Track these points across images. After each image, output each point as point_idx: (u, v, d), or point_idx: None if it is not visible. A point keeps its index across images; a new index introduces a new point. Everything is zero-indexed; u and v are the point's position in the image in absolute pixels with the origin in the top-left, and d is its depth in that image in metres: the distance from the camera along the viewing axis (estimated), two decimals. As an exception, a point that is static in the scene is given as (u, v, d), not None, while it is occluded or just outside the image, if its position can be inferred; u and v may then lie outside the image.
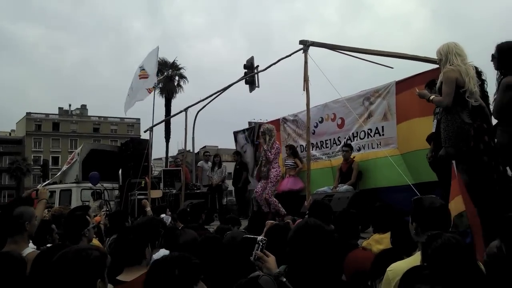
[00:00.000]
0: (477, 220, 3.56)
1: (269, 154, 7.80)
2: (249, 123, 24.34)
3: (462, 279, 1.85)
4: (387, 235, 3.28)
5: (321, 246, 2.17)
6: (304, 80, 5.94)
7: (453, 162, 4.20)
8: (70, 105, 76.71)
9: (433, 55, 5.28)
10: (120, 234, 3.03)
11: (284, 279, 2.21)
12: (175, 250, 3.16)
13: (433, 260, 1.89)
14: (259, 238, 2.48)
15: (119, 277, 2.76)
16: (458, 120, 4.71)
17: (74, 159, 14.82)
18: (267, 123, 11.48)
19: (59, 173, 16.26)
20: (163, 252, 3.30)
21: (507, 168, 4.46)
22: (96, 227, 4.03)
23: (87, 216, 3.57)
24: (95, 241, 4.19)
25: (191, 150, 17.37)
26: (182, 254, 1.97)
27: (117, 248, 2.98)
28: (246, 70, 12.15)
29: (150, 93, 11.39)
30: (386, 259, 2.56)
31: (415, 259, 2.36)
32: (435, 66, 6.17)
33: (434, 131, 5.51)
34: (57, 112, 74.21)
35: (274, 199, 7.80)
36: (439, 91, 4.90)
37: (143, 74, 11.38)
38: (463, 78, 4.66)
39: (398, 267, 2.33)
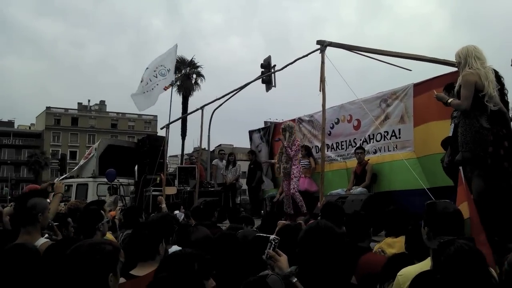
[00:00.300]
0: (479, 228, 3.49)
1: (290, 150, 7.83)
2: (265, 122, 24.34)
3: (475, 286, 1.83)
4: (400, 239, 3.25)
5: (330, 248, 2.17)
6: (321, 81, 5.92)
7: (460, 168, 4.13)
8: (89, 101, 77.80)
9: (452, 58, 5.21)
10: (135, 229, 3.06)
11: (295, 279, 2.20)
12: (187, 247, 3.19)
13: (446, 267, 1.86)
14: (272, 237, 2.46)
15: (133, 272, 2.79)
16: (477, 125, 4.64)
17: (92, 154, 15.01)
18: (283, 122, 11.53)
19: (77, 167, 16.47)
20: (175, 248, 3.32)
21: None
22: (110, 222, 4.06)
23: (101, 211, 3.61)
24: (109, 236, 4.24)
25: (207, 148, 17.48)
26: (194, 250, 1.98)
27: (132, 243, 3.02)
28: (263, 70, 12.18)
29: (166, 90, 11.44)
30: (397, 263, 2.54)
31: (426, 265, 2.33)
32: (454, 69, 6.09)
33: (451, 135, 5.43)
34: (76, 107, 75.23)
35: (299, 194, 7.82)
36: (458, 95, 4.83)
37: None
38: (482, 82, 4.59)
39: (409, 272, 2.31)
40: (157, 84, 11.42)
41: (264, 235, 2.57)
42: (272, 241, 2.40)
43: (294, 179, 7.85)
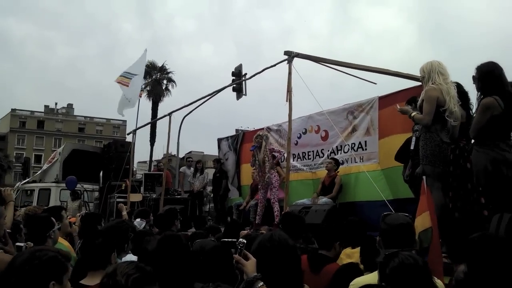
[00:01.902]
0: (437, 237, 3.57)
1: (278, 154, 7.99)
2: (236, 130, 24.33)
3: None
4: (357, 249, 3.28)
5: (281, 260, 2.14)
6: (288, 91, 5.95)
7: (424, 177, 4.22)
8: (56, 104, 75.89)
9: (418, 72, 5.34)
10: (87, 238, 2.97)
11: (261, 283, 2.15)
12: (143, 256, 3.12)
13: (391, 279, 1.89)
14: (238, 240, 2.40)
15: (83, 281, 2.71)
16: (437, 139, 4.76)
17: (55, 159, 14.63)
18: (252, 131, 11.54)
19: (40, 171, 16.02)
20: (129, 257, 3.25)
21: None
22: (60, 228, 3.92)
23: (52, 218, 3.49)
24: (64, 242, 4.11)
25: (176, 155, 17.32)
26: (135, 262, 1.92)
27: (83, 251, 2.93)
28: (234, 77, 12.18)
29: (140, 97, 11.48)
30: (345, 275, 2.55)
31: (376, 275, 2.35)
32: (418, 83, 6.25)
33: (412, 148, 5.55)
34: (42, 110, 73.32)
35: (277, 204, 7.82)
36: (420, 109, 4.94)
37: (124, 81, 11.32)
38: (444, 97, 4.72)
39: (361, 282, 2.33)
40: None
41: (230, 240, 2.50)
42: (238, 244, 2.33)
43: (273, 189, 7.89)
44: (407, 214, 3.04)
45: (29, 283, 1.88)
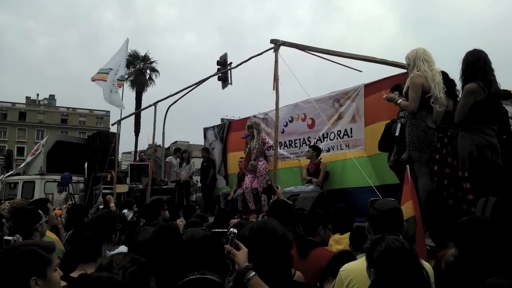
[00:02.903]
0: (420, 224, 3.62)
1: (264, 146, 8.10)
2: (222, 119, 24.26)
3: (408, 282, 1.88)
4: (346, 235, 3.31)
5: (274, 249, 2.15)
6: (274, 79, 5.93)
7: (407, 167, 4.26)
8: (38, 95, 74.61)
9: (402, 60, 5.37)
10: (76, 230, 2.94)
11: (252, 273, 2.14)
12: (133, 247, 3.10)
13: (378, 264, 1.91)
14: (229, 230, 2.37)
15: (73, 274, 2.68)
16: (423, 125, 4.82)
17: (39, 151, 14.40)
18: (238, 120, 11.51)
19: (23, 164, 15.76)
20: (122, 248, 3.23)
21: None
22: (48, 221, 3.86)
23: (39, 211, 3.44)
24: (52, 235, 4.06)
25: (162, 145, 17.19)
26: (131, 255, 1.91)
27: (72, 244, 2.90)
28: (219, 67, 12.10)
29: (119, 87, 11.30)
30: (338, 262, 2.58)
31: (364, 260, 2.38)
32: (403, 70, 6.29)
33: (397, 134, 5.60)
34: (24, 102, 71.99)
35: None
36: (406, 96, 4.99)
37: (101, 77, 11.19)
38: (429, 84, 4.77)
39: (351, 267, 2.36)
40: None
41: (220, 230, 2.48)
42: (229, 235, 2.30)
43: (260, 177, 7.92)
44: (393, 199, 3.06)
45: (6, 283, 1.84)
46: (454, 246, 2.28)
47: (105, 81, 10.92)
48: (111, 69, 11.07)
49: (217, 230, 2.54)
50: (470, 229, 2.23)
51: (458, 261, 2.18)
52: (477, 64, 4.28)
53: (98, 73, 11.34)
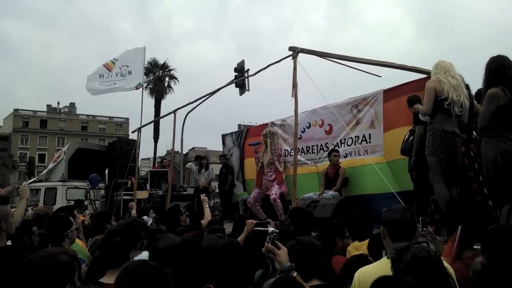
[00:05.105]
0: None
1: (277, 162, 8.22)
2: (239, 126, 24.35)
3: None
4: (365, 242, 3.32)
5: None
6: (293, 86, 5.94)
7: (459, 228, 4.22)
8: (58, 103, 75.95)
9: (419, 64, 5.42)
10: (105, 237, 3.02)
11: (295, 273, 2.18)
12: (155, 254, 3.18)
13: (406, 274, 1.91)
14: (270, 229, 2.40)
15: (102, 279, 2.76)
16: (439, 128, 4.85)
17: (61, 158, 14.70)
18: (255, 127, 11.56)
19: (45, 171, 16.09)
20: (145, 254, 3.29)
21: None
22: (78, 228, 3.96)
23: (70, 217, 3.53)
24: (79, 242, 4.16)
25: (180, 152, 17.33)
26: (155, 263, 1.97)
27: (102, 250, 2.98)
28: (236, 74, 12.19)
29: (137, 89, 12.22)
30: (353, 267, 2.59)
31: (383, 262, 2.40)
32: (422, 75, 6.27)
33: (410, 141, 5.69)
34: (45, 110, 73.40)
35: (280, 201, 7.94)
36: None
37: (108, 65, 11.82)
38: (442, 87, 4.81)
39: (366, 271, 2.37)
40: (115, 83, 12.22)
41: (262, 228, 2.50)
42: (270, 234, 2.34)
43: (276, 186, 7.96)
44: (407, 207, 3.07)
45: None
46: (481, 254, 2.27)
47: (110, 70, 11.60)
48: (116, 59, 12.01)
49: (259, 228, 2.55)
50: (499, 237, 2.21)
51: (486, 270, 2.18)
52: (501, 69, 4.26)
53: (110, 60, 12.20)
